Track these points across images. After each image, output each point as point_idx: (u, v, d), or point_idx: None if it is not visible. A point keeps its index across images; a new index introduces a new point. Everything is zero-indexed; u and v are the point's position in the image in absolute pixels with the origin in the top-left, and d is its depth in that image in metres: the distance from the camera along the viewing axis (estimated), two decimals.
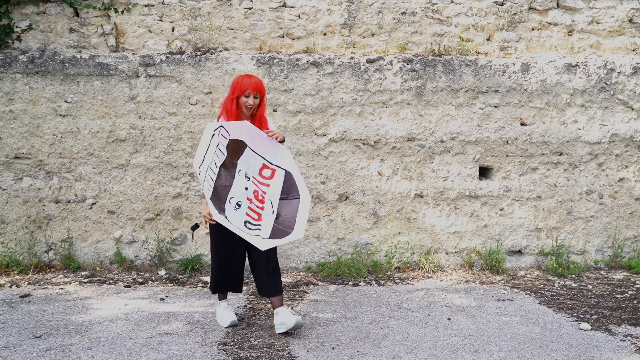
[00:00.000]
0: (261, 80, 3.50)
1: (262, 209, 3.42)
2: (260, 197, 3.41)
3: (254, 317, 3.85)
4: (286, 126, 5.11)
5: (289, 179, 3.43)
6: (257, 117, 3.48)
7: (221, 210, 3.37)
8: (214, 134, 3.30)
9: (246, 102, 3.40)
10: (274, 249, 3.54)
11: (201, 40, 5.36)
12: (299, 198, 3.43)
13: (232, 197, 3.40)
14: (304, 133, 5.12)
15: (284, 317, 3.45)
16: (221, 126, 3.31)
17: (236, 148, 3.36)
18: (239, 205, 3.41)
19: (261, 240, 3.35)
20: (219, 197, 3.39)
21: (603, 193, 5.36)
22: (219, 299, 3.75)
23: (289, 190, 3.43)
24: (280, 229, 3.38)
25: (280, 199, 3.41)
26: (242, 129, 3.36)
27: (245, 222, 3.40)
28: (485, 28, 5.71)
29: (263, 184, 3.42)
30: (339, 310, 4.05)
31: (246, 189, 3.40)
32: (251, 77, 3.42)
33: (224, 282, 3.65)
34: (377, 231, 5.18)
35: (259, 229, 3.39)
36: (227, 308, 3.70)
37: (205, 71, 5.06)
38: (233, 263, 3.60)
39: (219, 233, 3.50)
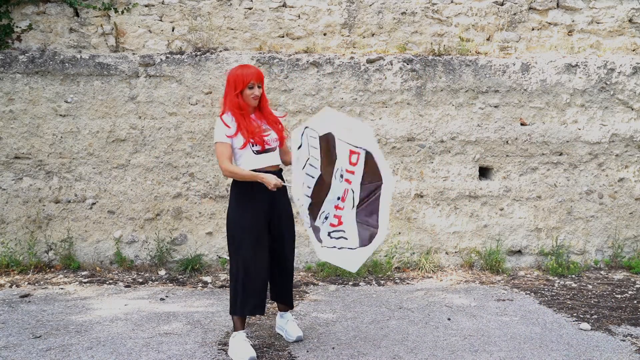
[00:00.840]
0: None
1: (343, 208, 3.04)
2: (345, 195, 3.06)
3: (254, 317, 3.85)
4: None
5: (369, 160, 2.99)
6: (261, 107, 3.25)
7: (317, 230, 3.07)
8: (301, 144, 2.98)
9: (252, 94, 3.14)
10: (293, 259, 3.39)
11: (201, 40, 5.36)
12: (380, 182, 2.97)
13: (323, 212, 3.09)
14: None
15: (289, 327, 3.40)
16: (306, 127, 3.01)
17: (327, 146, 3.02)
18: (327, 218, 3.10)
19: (353, 255, 2.95)
20: (314, 216, 3.09)
21: (603, 193, 5.36)
22: (236, 328, 3.19)
23: (368, 175, 3.00)
24: (365, 225, 3.00)
25: (361, 184, 3.01)
26: (324, 118, 3.02)
27: (329, 232, 3.07)
28: (485, 28, 5.71)
29: (350, 172, 3.03)
30: (339, 310, 4.05)
31: (338, 198, 3.07)
32: (249, 67, 3.17)
33: (261, 300, 3.19)
34: None
35: (344, 237, 3.02)
36: (247, 340, 3.17)
37: (205, 71, 5.06)
38: (264, 277, 3.21)
39: (255, 240, 3.15)
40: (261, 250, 3.16)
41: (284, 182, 3.23)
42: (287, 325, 3.42)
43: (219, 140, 3.13)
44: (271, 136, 3.19)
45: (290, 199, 3.33)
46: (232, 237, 3.17)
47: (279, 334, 3.50)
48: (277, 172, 3.24)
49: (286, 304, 3.44)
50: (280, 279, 3.35)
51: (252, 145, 3.12)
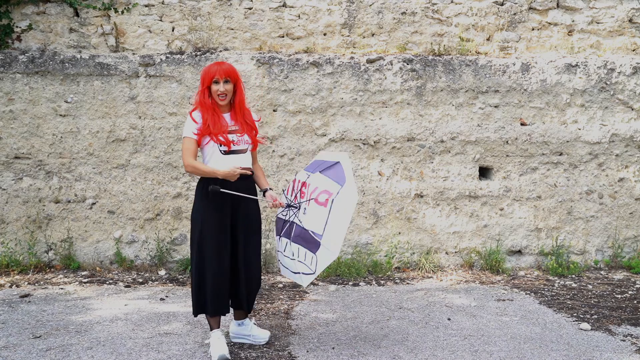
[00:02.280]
0: (232, 65, 3.17)
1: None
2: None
3: (253, 317, 3.85)
4: (286, 126, 5.11)
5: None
6: (236, 107, 3.16)
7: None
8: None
9: (217, 90, 3.06)
10: (259, 257, 3.31)
11: (201, 40, 5.36)
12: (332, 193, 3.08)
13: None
14: (304, 133, 5.12)
15: (255, 331, 3.33)
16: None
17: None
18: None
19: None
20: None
21: (603, 193, 5.36)
22: (211, 328, 3.19)
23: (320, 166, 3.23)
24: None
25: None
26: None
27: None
28: (485, 28, 5.71)
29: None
30: (339, 310, 4.05)
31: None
32: (220, 64, 3.10)
33: (222, 301, 3.16)
34: (377, 231, 5.18)
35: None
36: (221, 338, 3.15)
37: None
38: (225, 278, 3.17)
39: (214, 233, 3.10)
40: (223, 252, 3.10)
41: (256, 194, 3.22)
42: (252, 330, 3.31)
43: (185, 135, 3.11)
44: (241, 137, 3.13)
45: (260, 200, 3.31)
46: (194, 238, 3.13)
47: (276, 334, 3.49)
48: (247, 176, 3.17)
49: (246, 309, 3.29)
50: (246, 284, 3.21)
51: (220, 145, 3.07)
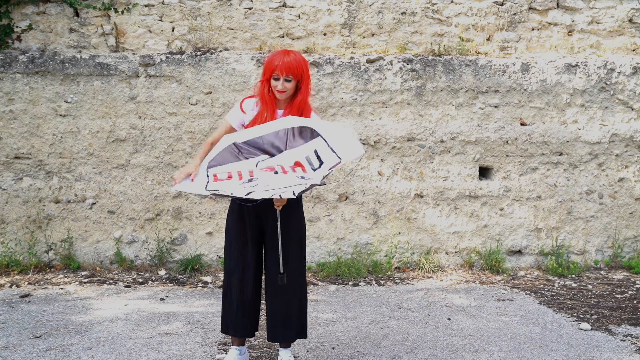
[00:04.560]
0: (302, 57, 2.73)
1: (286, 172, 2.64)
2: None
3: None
4: None
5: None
6: (295, 106, 2.76)
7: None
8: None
9: (275, 87, 2.70)
10: (304, 286, 2.88)
11: (201, 40, 5.36)
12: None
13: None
14: None
15: None
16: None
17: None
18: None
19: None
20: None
21: (603, 193, 5.36)
22: (232, 342, 2.96)
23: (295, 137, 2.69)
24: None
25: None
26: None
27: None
28: (485, 28, 5.71)
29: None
30: (339, 310, 4.05)
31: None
32: (286, 55, 2.68)
33: (236, 320, 2.86)
34: (377, 231, 5.18)
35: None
36: (237, 358, 2.91)
37: (205, 71, 5.06)
38: (247, 296, 2.85)
39: (238, 245, 2.81)
40: (244, 266, 2.82)
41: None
42: None
43: (226, 118, 2.88)
44: None
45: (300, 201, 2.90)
46: (225, 245, 2.93)
47: None
48: None
49: (275, 337, 2.89)
50: (270, 303, 2.87)
51: None
